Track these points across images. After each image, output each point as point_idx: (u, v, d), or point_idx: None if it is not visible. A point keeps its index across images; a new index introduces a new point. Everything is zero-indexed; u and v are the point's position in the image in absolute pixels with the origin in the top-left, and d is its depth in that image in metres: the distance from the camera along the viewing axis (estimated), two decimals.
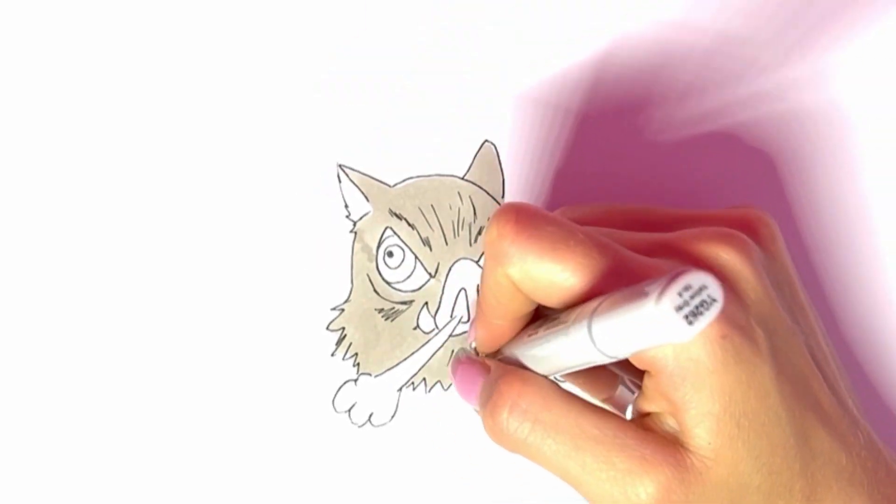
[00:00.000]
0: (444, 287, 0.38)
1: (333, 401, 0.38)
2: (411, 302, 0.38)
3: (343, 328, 0.38)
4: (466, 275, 0.38)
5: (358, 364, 0.38)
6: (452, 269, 0.38)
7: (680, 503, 0.27)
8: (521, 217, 0.28)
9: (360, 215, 0.38)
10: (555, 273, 0.28)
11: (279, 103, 0.38)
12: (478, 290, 0.32)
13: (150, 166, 0.37)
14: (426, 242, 0.38)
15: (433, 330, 0.38)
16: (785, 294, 0.31)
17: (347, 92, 0.38)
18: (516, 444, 0.29)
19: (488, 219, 0.28)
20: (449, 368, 0.37)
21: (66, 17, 0.37)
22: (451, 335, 0.38)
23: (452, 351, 0.38)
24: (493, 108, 0.39)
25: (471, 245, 0.38)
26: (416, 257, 0.38)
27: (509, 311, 0.30)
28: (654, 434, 0.28)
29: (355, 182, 0.38)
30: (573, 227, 0.28)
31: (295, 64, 0.38)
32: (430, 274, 0.38)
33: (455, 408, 0.38)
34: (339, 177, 0.38)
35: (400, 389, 0.38)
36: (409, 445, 0.38)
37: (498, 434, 0.29)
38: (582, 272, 0.27)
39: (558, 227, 0.28)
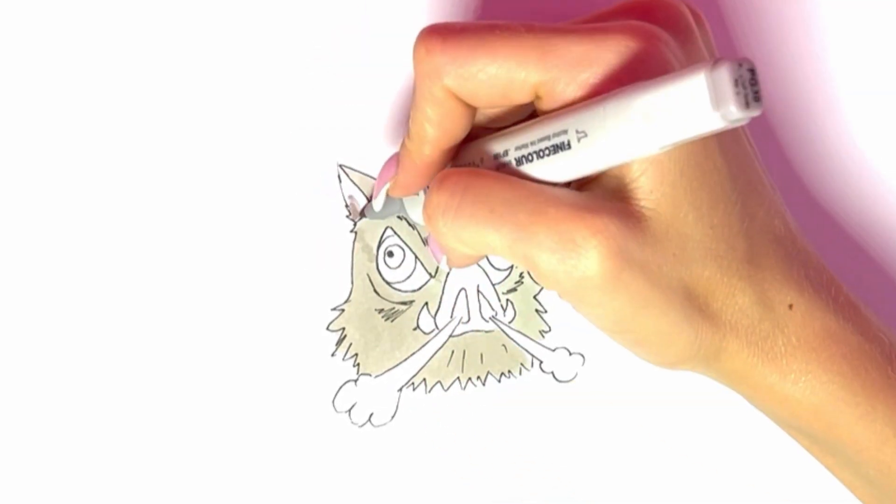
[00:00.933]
0: (444, 287, 0.38)
1: (334, 401, 0.38)
2: (411, 302, 0.38)
3: (343, 328, 0.38)
4: (466, 275, 0.38)
5: (358, 364, 0.38)
6: (452, 269, 0.38)
7: (621, 249, 0.27)
8: (444, 29, 0.29)
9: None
10: (489, 65, 0.28)
11: (279, 103, 0.38)
12: (404, 144, 0.32)
13: (150, 167, 0.37)
14: (426, 242, 0.38)
15: (433, 330, 0.38)
16: None
17: (348, 92, 0.38)
18: (449, 227, 0.28)
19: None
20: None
21: (66, 17, 0.37)
22: (451, 335, 0.38)
23: (452, 352, 0.38)
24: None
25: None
26: (417, 257, 0.38)
27: (446, 133, 0.30)
28: (594, 191, 0.28)
29: (356, 182, 0.38)
30: (496, 21, 0.29)
31: (295, 64, 0.38)
32: (430, 274, 0.38)
33: (455, 408, 0.38)
34: (339, 177, 0.38)
35: (400, 390, 0.38)
36: (409, 446, 0.38)
37: (433, 222, 0.29)
38: (516, 56, 0.28)
39: (481, 25, 0.28)
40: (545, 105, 0.28)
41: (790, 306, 0.30)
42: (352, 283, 0.38)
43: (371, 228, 0.38)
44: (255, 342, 0.37)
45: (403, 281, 0.38)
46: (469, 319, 0.38)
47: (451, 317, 0.38)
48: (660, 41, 0.27)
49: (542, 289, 0.39)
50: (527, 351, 0.39)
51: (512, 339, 0.39)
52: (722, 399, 0.39)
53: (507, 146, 0.29)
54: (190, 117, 0.37)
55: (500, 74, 0.28)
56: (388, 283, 0.38)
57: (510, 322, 0.39)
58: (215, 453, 0.37)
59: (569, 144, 0.27)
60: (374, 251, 0.38)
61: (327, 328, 0.38)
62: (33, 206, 0.37)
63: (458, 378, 0.38)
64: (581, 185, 0.29)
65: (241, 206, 0.37)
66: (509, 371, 0.39)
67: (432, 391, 0.38)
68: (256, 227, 0.37)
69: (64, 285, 0.37)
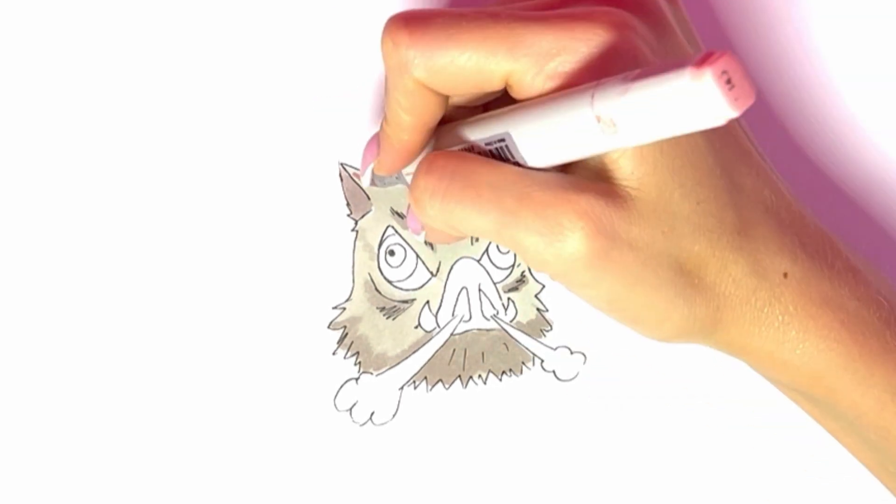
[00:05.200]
0: (445, 285, 0.38)
1: (335, 399, 0.38)
2: (413, 300, 0.38)
3: (344, 326, 0.38)
4: (468, 273, 0.38)
5: (359, 363, 0.38)
6: (454, 267, 0.38)
7: (608, 229, 0.27)
8: (410, 20, 0.29)
9: (362, 214, 0.38)
10: (458, 57, 0.28)
11: (281, 102, 0.38)
12: (383, 126, 0.33)
13: (151, 167, 0.37)
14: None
15: (435, 329, 0.38)
16: None
17: (349, 90, 0.38)
18: (437, 211, 0.29)
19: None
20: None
21: (67, 18, 0.37)
22: (452, 334, 0.38)
23: (454, 350, 0.38)
24: None
25: (472, 244, 0.38)
26: (418, 256, 0.38)
27: (421, 120, 0.30)
28: (577, 172, 0.28)
29: (356, 181, 0.38)
30: (462, 10, 0.29)
31: (296, 63, 0.38)
32: (431, 272, 0.38)
33: (456, 407, 0.38)
34: (340, 175, 0.38)
35: (401, 388, 0.38)
36: (410, 444, 0.38)
37: (420, 205, 0.29)
38: (484, 48, 0.28)
39: (447, 15, 0.28)
40: (516, 94, 0.28)
41: (784, 274, 0.30)
42: (353, 281, 0.38)
43: (372, 227, 0.38)
44: (257, 341, 0.37)
45: (405, 279, 0.38)
46: (470, 318, 0.38)
47: (453, 315, 0.38)
48: (631, 30, 0.27)
49: (543, 287, 0.39)
50: (528, 350, 0.39)
51: (513, 337, 0.39)
52: (722, 399, 0.39)
53: (481, 135, 0.30)
54: (190, 118, 0.37)
55: (468, 66, 0.28)
56: (389, 282, 0.38)
57: (512, 321, 0.39)
58: (216, 452, 0.37)
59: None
60: (376, 250, 0.38)
61: (329, 327, 0.38)
62: (33, 207, 0.37)
63: (460, 377, 0.38)
64: (564, 165, 0.29)
65: (243, 206, 0.37)
66: (510, 370, 0.39)
67: (434, 390, 0.38)
68: (258, 226, 0.37)
69: (64, 286, 0.36)
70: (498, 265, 0.39)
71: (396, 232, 0.38)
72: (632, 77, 0.24)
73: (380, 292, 0.38)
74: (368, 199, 0.38)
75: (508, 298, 0.39)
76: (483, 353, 0.39)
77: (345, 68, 0.38)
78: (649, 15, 0.29)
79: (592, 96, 0.25)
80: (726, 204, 0.29)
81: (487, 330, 0.39)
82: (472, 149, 0.30)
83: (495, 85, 0.28)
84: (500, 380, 0.39)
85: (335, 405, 0.38)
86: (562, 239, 0.27)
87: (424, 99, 0.29)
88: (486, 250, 0.39)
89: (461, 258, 0.38)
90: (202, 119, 0.37)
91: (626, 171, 0.28)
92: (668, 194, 0.28)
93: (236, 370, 0.37)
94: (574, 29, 0.27)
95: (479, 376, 0.39)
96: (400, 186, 0.38)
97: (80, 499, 0.36)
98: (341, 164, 0.38)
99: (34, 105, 0.37)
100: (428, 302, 0.38)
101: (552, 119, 0.27)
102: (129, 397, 0.37)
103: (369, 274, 0.38)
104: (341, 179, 0.38)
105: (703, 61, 0.22)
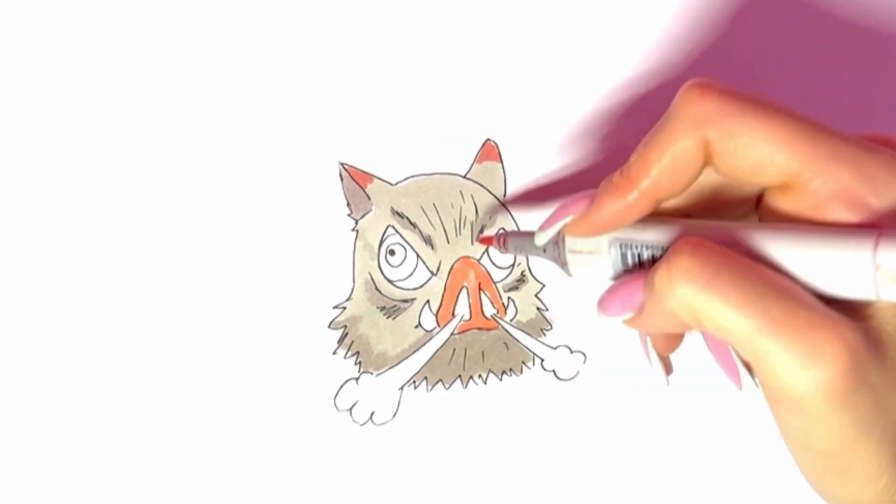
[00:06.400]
0: (445, 285, 0.38)
1: (335, 399, 0.38)
2: (413, 300, 0.38)
3: (345, 326, 0.38)
4: (468, 273, 0.38)
5: (360, 362, 0.38)
6: (454, 267, 0.38)
7: (864, 368, 0.26)
8: (721, 83, 0.28)
9: (362, 214, 0.38)
10: (757, 131, 0.27)
11: (282, 102, 0.38)
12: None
13: (152, 167, 0.37)
14: (428, 241, 0.38)
15: (435, 328, 0.38)
16: None
17: (349, 90, 0.38)
18: (693, 296, 0.27)
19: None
20: (602, 299, 0.32)
21: (68, 19, 0.37)
22: (452, 333, 0.38)
23: (454, 350, 0.38)
24: (494, 106, 0.39)
25: (472, 243, 0.38)
26: (418, 255, 0.38)
27: (667, 184, 0.29)
28: (836, 306, 0.27)
29: (357, 181, 0.38)
30: (772, 101, 0.28)
31: (297, 63, 0.38)
32: (431, 272, 0.38)
33: (457, 406, 0.38)
34: (340, 175, 0.38)
35: (401, 388, 0.38)
36: (410, 444, 0.38)
37: (674, 285, 0.27)
38: (788, 135, 0.27)
39: (759, 96, 0.28)
40: (791, 199, 0.28)
41: None
42: (353, 280, 0.38)
43: (373, 227, 0.38)
44: (257, 340, 0.37)
45: (405, 279, 0.38)
46: (470, 317, 0.38)
47: (453, 314, 0.38)
48: None
49: (543, 287, 0.39)
50: (528, 349, 0.39)
51: (513, 337, 0.39)
52: (723, 399, 0.39)
53: (766, 245, 0.28)
54: (191, 118, 0.37)
55: (762, 147, 0.27)
56: (389, 281, 0.38)
57: (512, 320, 0.39)
58: (216, 452, 0.37)
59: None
60: (376, 249, 0.38)
61: (329, 326, 0.38)
62: (34, 208, 0.37)
63: (460, 376, 0.38)
64: None
65: (243, 206, 0.37)
66: (511, 369, 0.39)
67: (434, 389, 0.38)
68: (258, 225, 0.37)
69: (65, 286, 0.36)
70: (498, 265, 0.39)
71: (396, 232, 0.38)
72: None
73: (380, 292, 0.38)
74: (368, 198, 0.38)
75: (509, 298, 0.39)
76: (483, 353, 0.39)
77: (345, 68, 0.38)
78: None
79: (876, 244, 0.25)
80: None
81: (487, 329, 0.39)
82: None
83: (773, 179, 0.28)
84: (500, 379, 0.39)
85: (335, 405, 0.38)
86: (820, 365, 0.26)
87: (690, 163, 0.28)
88: (486, 250, 0.39)
89: (461, 258, 0.38)
90: (203, 119, 0.37)
91: (888, 314, 0.27)
92: None
93: (237, 370, 0.37)
94: (877, 151, 0.27)
95: (479, 376, 0.39)
96: (406, 186, 0.38)
97: (80, 499, 0.36)
98: (341, 164, 0.38)
99: (36, 107, 0.37)
100: (428, 301, 0.38)
101: (822, 252, 0.26)
102: (130, 397, 0.37)
103: (370, 273, 0.38)
104: (341, 179, 0.38)
105: None
